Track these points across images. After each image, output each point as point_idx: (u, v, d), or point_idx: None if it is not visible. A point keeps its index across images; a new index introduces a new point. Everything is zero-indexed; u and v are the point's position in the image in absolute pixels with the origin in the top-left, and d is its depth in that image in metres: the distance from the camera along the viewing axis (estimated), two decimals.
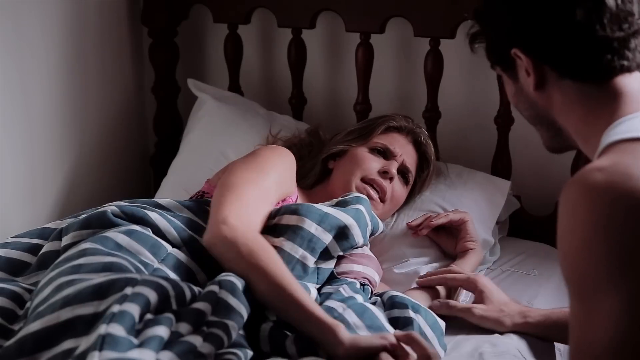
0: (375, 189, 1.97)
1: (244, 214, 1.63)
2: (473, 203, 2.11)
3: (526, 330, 1.72)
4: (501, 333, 1.72)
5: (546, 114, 1.37)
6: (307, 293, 1.56)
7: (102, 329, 1.26)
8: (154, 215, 1.65)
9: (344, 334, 1.46)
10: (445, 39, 2.26)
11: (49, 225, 1.74)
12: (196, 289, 1.47)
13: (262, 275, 1.52)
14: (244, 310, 1.46)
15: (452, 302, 1.78)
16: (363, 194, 1.93)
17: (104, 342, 1.24)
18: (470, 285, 1.79)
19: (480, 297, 1.77)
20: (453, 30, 2.23)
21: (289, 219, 1.70)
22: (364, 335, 1.51)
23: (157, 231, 1.63)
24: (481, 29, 1.43)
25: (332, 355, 1.46)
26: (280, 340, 1.51)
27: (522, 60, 1.32)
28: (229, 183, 1.70)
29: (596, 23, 1.25)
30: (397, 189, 2.01)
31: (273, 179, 1.77)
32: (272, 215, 1.73)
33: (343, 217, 1.74)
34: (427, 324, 1.64)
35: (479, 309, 1.74)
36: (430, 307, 1.77)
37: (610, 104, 1.28)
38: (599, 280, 1.10)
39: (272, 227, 1.71)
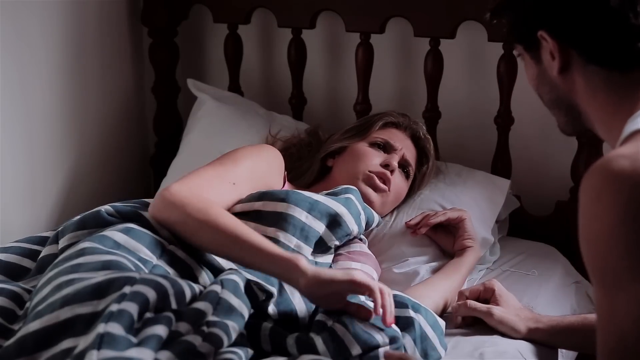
0: (380, 179, 1.98)
1: (190, 183, 1.67)
2: (472, 201, 2.11)
3: (537, 337, 1.71)
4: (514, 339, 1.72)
5: (567, 98, 1.35)
6: (261, 236, 1.57)
7: (101, 328, 1.26)
8: (148, 215, 1.66)
9: (305, 265, 1.50)
10: (445, 39, 2.26)
11: (47, 234, 1.74)
12: (196, 286, 1.47)
13: (214, 228, 1.57)
14: (245, 311, 1.46)
15: (471, 302, 1.76)
16: (370, 184, 1.94)
17: (102, 341, 1.24)
18: (489, 292, 1.78)
19: (496, 302, 1.76)
20: (453, 30, 2.23)
21: (275, 206, 1.71)
22: (327, 269, 1.55)
23: (152, 229, 1.64)
24: (506, 4, 1.39)
25: (296, 288, 1.51)
26: (280, 339, 1.51)
27: (547, 43, 1.30)
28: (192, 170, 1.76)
29: (630, 11, 1.24)
30: (398, 182, 2.01)
31: (242, 166, 1.79)
32: (256, 197, 1.75)
33: (333, 204, 1.75)
34: (427, 324, 1.64)
35: (498, 310, 1.73)
36: (450, 308, 1.80)
37: (635, 92, 1.27)
38: (625, 267, 1.09)
39: (256, 213, 1.72)
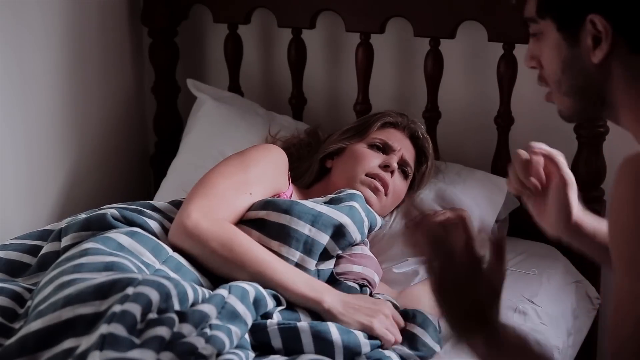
0: (379, 182, 1.97)
1: (211, 206, 1.68)
2: (472, 201, 2.11)
3: (579, 229, 1.57)
4: None
5: (597, 85, 1.27)
6: (287, 268, 1.64)
7: (104, 328, 1.27)
8: (153, 224, 1.67)
9: (329, 304, 1.60)
10: (445, 39, 2.26)
11: (49, 227, 1.75)
12: (199, 289, 1.48)
13: (239, 266, 1.61)
14: (249, 318, 1.47)
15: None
16: (370, 187, 1.94)
17: (104, 342, 1.25)
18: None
19: None
20: (453, 30, 2.23)
21: (278, 217, 1.71)
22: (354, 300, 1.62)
23: (156, 237, 1.65)
24: None
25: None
26: (292, 332, 1.52)
27: (594, 28, 1.23)
28: (203, 178, 1.76)
29: None
30: (397, 183, 2.01)
31: (253, 173, 1.79)
32: (260, 206, 1.75)
33: (337, 215, 1.75)
34: (415, 324, 1.67)
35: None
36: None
37: None
38: None
39: (261, 222, 1.72)
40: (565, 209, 1.55)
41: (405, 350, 1.61)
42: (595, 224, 1.56)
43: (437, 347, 1.65)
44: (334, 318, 1.58)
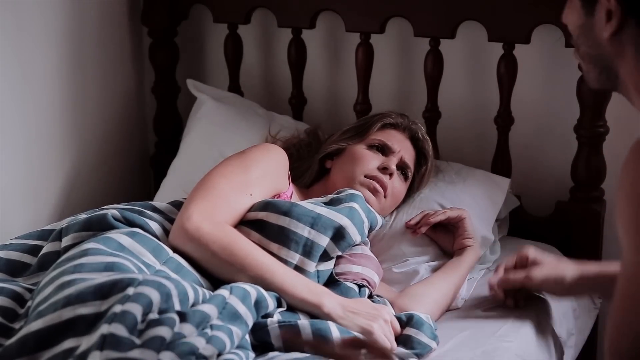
0: (377, 184, 1.97)
1: (211, 208, 1.67)
2: (472, 200, 2.11)
3: (583, 284, 1.68)
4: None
5: (608, 59, 1.28)
6: (287, 272, 1.64)
7: (104, 328, 1.27)
8: (154, 225, 1.67)
9: (329, 307, 1.60)
10: (445, 39, 2.26)
11: (49, 227, 1.75)
12: (200, 289, 1.48)
13: (239, 270, 1.61)
14: (250, 319, 1.48)
15: (507, 275, 1.76)
16: (369, 188, 1.94)
17: (105, 342, 1.25)
18: (523, 260, 1.77)
19: (534, 265, 1.75)
20: (453, 30, 2.23)
21: (277, 219, 1.71)
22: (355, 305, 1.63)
23: (157, 238, 1.65)
24: None
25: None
26: (292, 331, 1.52)
27: (609, 3, 1.23)
28: (204, 179, 1.75)
29: None
30: (396, 185, 2.00)
31: (254, 174, 1.78)
32: (260, 207, 1.74)
33: (337, 217, 1.74)
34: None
35: (536, 272, 1.71)
36: (488, 285, 1.80)
37: None
38: None
39: (260, 223, 1.72)
40: (553, 284, 1.72)
41: (402, 349, 1.61)
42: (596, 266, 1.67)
43: (432, 344, 1.65)
44: (333, 322, 1.58)
